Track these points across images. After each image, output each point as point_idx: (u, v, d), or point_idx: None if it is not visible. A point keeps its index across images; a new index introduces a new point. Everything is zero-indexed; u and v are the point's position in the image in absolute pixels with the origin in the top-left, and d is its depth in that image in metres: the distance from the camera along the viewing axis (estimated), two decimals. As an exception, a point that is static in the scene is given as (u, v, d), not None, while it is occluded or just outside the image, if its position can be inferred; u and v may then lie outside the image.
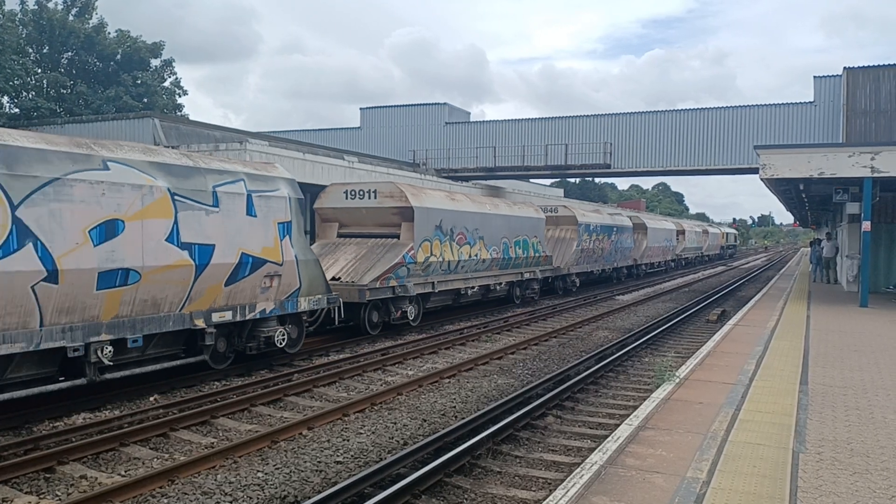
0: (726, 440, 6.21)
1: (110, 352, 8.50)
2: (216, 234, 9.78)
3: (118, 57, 39.38)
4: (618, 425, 7.08)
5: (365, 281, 14.00)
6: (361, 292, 13.72)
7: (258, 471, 6.67)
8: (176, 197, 9.21)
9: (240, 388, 9.83)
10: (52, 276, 7.77)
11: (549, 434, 8.09)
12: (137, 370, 9.22)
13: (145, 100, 38.92)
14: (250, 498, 6.06)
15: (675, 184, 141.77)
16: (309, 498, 5.88)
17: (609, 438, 6.25)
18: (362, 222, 16.01)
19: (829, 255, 26.34)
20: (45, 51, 38.30)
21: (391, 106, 42.71)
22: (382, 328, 14.79)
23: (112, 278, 8.42)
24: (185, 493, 6.12)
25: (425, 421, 8.50)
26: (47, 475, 6.58)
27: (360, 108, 44.46)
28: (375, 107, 42.71)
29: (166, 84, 41.67)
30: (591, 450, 6.92)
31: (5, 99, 36.17)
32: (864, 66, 28.77)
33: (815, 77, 31.98)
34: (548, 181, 55.55)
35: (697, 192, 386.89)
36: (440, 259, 16.21)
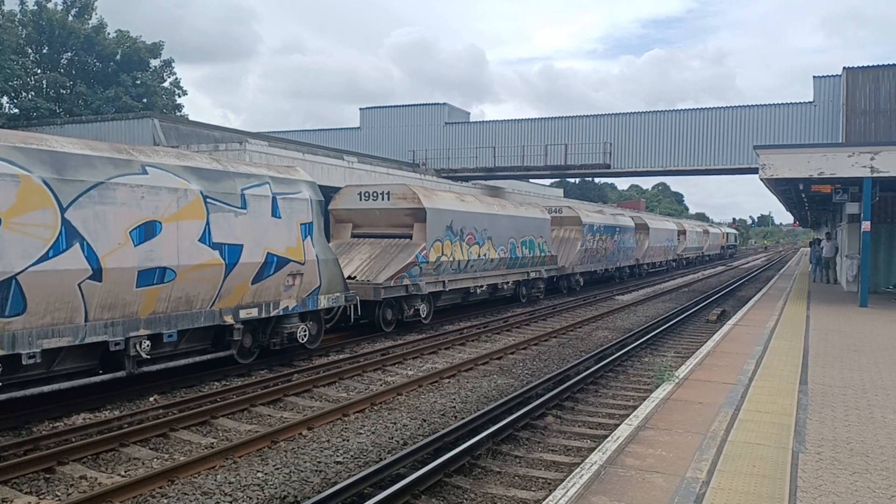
0: (726, 440, 6.21)
1: (148, 346, 8.98)
2: (244, 234, 10.24)
3: (118, 57, 39.37)
4: (617, 425, 7.09)
5: (380, 280, 14.30)
6: (377, 290, 14.02)
7: (258, 471, 6.67)
8: (208, 199, 9.66)
9: (239, 389, 9.84)
10: (97, 274, 8.23)
11: (548, 434, 8.09)
12: (171, 363, 9.67)
13: (145, 100, 38.91)
14: (250, 498, 6.06)
15: (675, 184, 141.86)
16: (309, 498, 5.89)
17: (609, 438, 6.25)
18: (376, 223, 16.28)
19: (828, 255, 26.34)
20: (44, 51, 38.29)
21: (391, 106, 42.70)
22: (396, 326, 15.11)
23: (150, 276, 8.89)
24: (185, 494, 6.12)
25: (425, 421, 8.50)
26: (47, 475, 6.58)
27: (360, 109, 44.49)
28: (375, 107, 42.72)
29: (166, 84, 41.67)
30: (591, 450, 6.93)
31: (5, 99, 36.20)
32: (863, 66, 28.74)
33: (814, 77, 31.96)
34: (547, 181, 55.55)
35: (697, 192, 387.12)
36: (451, 259, 16.49)
